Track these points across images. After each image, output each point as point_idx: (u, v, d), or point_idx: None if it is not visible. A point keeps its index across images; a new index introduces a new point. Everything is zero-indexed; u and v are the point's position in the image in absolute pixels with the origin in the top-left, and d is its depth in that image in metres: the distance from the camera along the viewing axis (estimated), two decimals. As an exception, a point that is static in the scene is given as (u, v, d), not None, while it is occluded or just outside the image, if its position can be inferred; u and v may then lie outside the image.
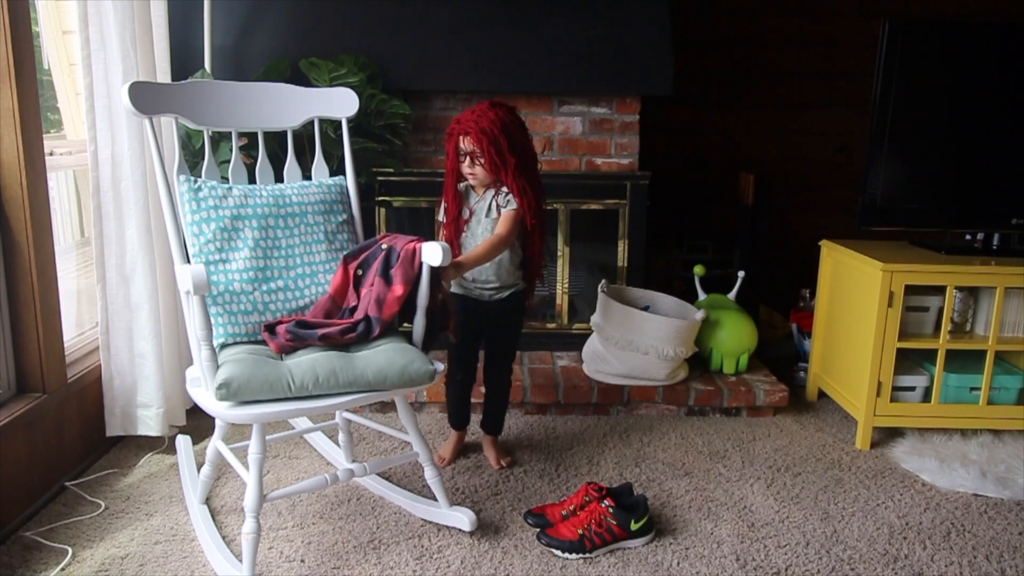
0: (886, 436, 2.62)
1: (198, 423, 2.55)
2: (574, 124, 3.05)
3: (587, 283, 3.17)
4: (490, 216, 2.12)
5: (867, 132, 2.63)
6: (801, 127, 3.47)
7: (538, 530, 1.97)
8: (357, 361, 1.77)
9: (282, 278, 1.94)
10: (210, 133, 1.98)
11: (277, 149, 2.21)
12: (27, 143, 1.95)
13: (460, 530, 1.98)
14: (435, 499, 2.02)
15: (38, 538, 1.91)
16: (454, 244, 2.17)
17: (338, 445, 2.34)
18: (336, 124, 2.51)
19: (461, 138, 2.06)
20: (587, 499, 2.00)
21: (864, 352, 2.55)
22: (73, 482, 2.18)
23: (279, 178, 2.09)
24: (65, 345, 2.18)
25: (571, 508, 2.00)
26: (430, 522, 2.03)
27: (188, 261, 1.85)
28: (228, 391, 1.63)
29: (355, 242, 2.09)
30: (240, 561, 1.77)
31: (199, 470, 2.09)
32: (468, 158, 2.07)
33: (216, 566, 1.81)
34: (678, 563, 1.88)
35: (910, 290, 2.49)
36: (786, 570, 1.86)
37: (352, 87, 2.22)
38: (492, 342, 2.31)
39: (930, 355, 2.58)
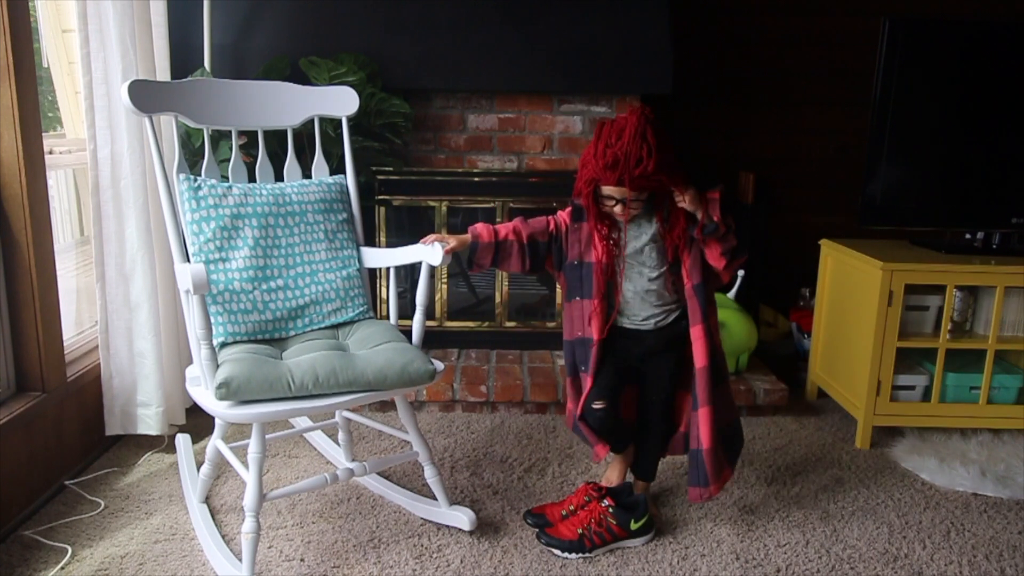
0: (886, 435, 2.62)
1: (198, 422, 2.55)
2: (574, 123, 3.05)
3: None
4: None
5: (867, 132, 2.63)
6: (801, 126, 3.46)
7: (537, 530, 1.97)
8: (357, 361, 1.77)
9: (282, 277, 1.94)
10: (210, 132, 1.97)
11: (277, 148, 2.20)
12: (26, 142, 1.94)
13: (460, 529, 1.98)
14: (435, 498, 2.02)
15: (38, 537, 1.91)
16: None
17: (338, 444, 2.34)
18: (336, 123, 2.51)
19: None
20: (587, 499, 1.99)
21: (864, 351, 2.55)
22: (73, 481, 2.18)
23: (279, 177, 2.09)
24: (64, 344, 2.18)
25: (571, 508, 2.00)
26: (430, 521, 2.03)
27: (188, 260, 1.85)
28: (228, 390, 1.62)
29: (355, 241, 2.09)
30: (240, 560, 1.76)
31: (199, 469, 2.09)
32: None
33: (216, 565, 1.81)
34: (678, 562, 1.88)
35: (910, 289, 2.49)
36: (786, 569, 1.86)
37: (352, 86, 2.22)
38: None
39: (930, 354, 2.58)
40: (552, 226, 2.00)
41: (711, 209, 1.82)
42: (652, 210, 1.90)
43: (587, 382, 1.97)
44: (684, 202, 1.83)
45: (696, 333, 1.90)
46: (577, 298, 1.98)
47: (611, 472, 2.18)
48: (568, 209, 1.98)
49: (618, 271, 1.93)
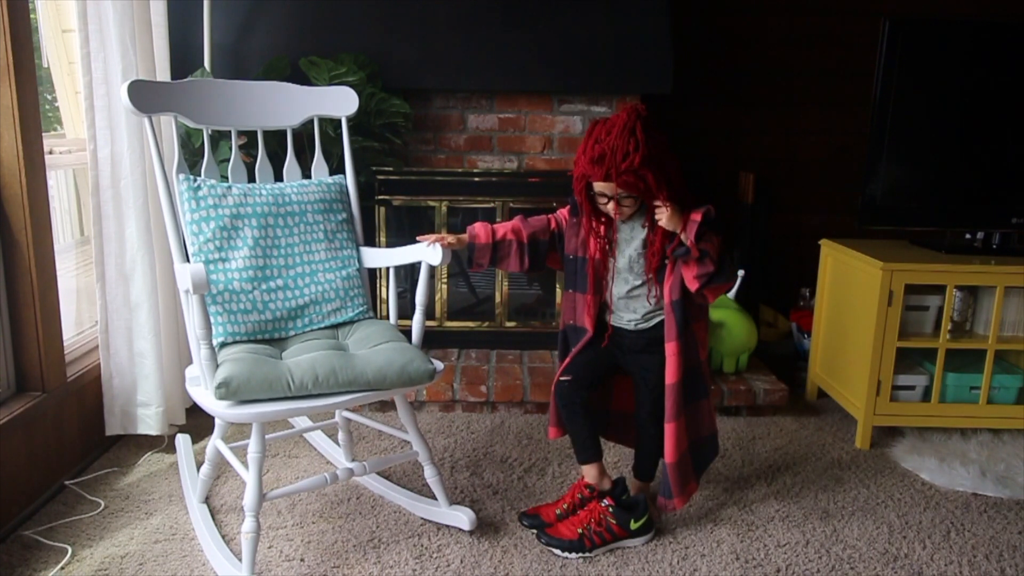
0: (886, 435, 2.62)
1: (198, 422, 2.55)
2: (574, 123, 3.05)
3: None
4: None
5: (867, 132, 2.63)
6: (801, 127, 3.46)
7: (536, 530, 1.96)
8: (357, 360, 1.77)
9: (281, 277, 1.94)
10: (209, 132, 1.97)
11: (277, 148, 2.20)
12: (26, 142, 1.94)
13: (460, 529, 1.98)
14: (435, 498, 2.02)
15: (38, 537, 1.91)
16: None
17: (338, 444, 2.34)
18: (336, 123, 2.51)
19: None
20: (580, 497, 1.99)
21: (864, 351, 2.55)
22: (73, 481, 2.18)
23: (279, 177, 2.09)
24: (65, 344, 2.18)
25: (564, 507, 1.99)
26: (430, 521, 2.03)
27: (187, 260, 1.85)
28: (227, 390, 1.62)
29: (354, 241, 2.09)
30: (240, 560, 1.76)
31: (199, 469, 2.09)
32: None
33: (216, 565, 1.81)
34: (678, 562, 1.88)
35: (910, 289, 2.49)
36: (786, 569, 1.86)
37: (352, 86, 2.22)
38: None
39: (930, 354, 2.58)
40: (554, 224, 2.00)
41: (688, 231, 1.77)
42: (646, 214, 1.88)
43: (566, 361, 2.00)
44: (662, 218, 1.79)
45: (670, 349, 1.88)
46: (571, 290, 2.00)
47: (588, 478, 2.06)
48: (568, 206, 1.99)
49: (609, 270, 1.93)
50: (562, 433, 2.08)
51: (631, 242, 1.91)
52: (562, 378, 2.00)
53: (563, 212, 2.00)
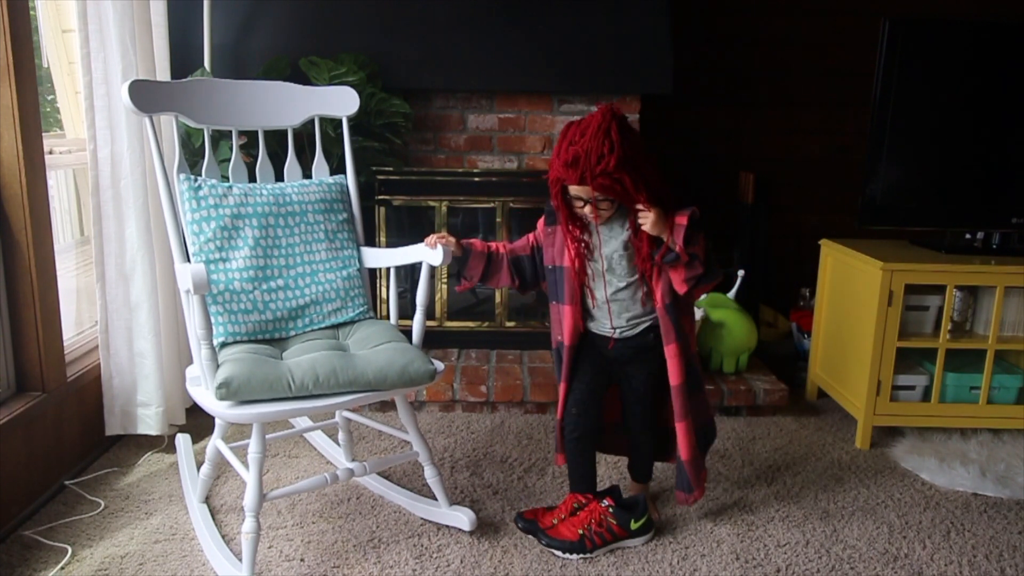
0: (886, 435, 2.62)
1: (198, 422, 2.55)
2: (574, 123, 3.05)
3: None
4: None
5: (867, 132, 2.63)
6: (801, 126, 3.46)
7: (530, 534, 1.96)
8: (357, 361, 1.77)
9: (282, 277, 1.94)
10: (210, 132, 1.97)
11: (277, 148, 2.20)
12: (26, 142, 1.94)
13: (460, 529, 1.98)
14: (435, 498, 2.02)
15: (38, 537, 1.91)
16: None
17: (338, 444, 2.34)
18: (336, 123, 2.51)
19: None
20: (576, 505, 1.97)
21: (864, 351, 2.55)
22: (73, 481, 2.18)
23: (279, 177, 2.09)
24: (65, 344, 2.18)
25: (561, 517, 1.96)
26: (430, 521, 2.03)
27: (188, 260, 1.85)
28: (228, 390, 1.62)
29: (355, 241, 2.09)
30: (240, 560, 1.76)
31: (199, 469, 2.09)
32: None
33: (216, 565, 1.81)
34: (678, 562, 1.88)
35: (910, 289, 2.49)
36: (786, 569, 1.86)
37: (352, 86, 2.22)
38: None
39: (930, 354, 2.58)
40: (532, 239, 1.99)
41: (675, 235, 1.73)
42: (626, 216, 1.83)
43: (562, 388, 1.97)
44: (646, 223, 1.74)
45: (670, 352, 1.86)
46: (555, 302, 1.96)
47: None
48: (543, 216, 1.96)
49: (589, 275, 1.89)
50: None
51: (609, 242, 1.86)
52: (573, 410, 1.96)
53: (539, 224, 1.98)
